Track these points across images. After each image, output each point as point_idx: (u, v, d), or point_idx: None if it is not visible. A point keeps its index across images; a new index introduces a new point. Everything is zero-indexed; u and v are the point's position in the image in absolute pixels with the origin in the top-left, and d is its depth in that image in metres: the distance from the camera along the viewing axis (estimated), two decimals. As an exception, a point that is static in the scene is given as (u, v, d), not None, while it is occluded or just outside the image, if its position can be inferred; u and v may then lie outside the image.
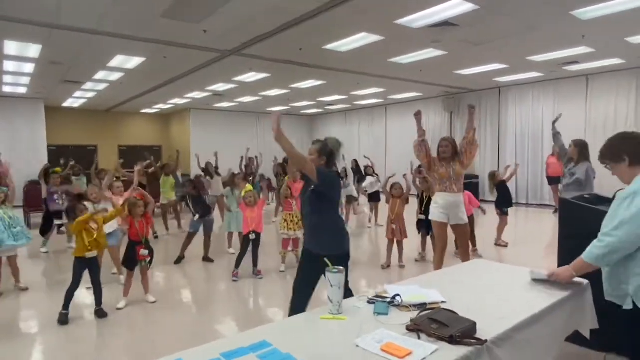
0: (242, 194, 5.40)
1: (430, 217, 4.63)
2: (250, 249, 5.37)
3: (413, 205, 6.19)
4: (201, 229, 6.20)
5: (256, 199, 5.50)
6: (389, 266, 5.77)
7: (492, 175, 6.98)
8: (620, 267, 2.04)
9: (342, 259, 2.79)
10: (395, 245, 5.82)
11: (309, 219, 2.99)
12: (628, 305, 2.03)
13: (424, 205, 5.81)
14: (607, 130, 10.17)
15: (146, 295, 4.50)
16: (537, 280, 2.44)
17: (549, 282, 2.37)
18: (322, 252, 2.61)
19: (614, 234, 1.96)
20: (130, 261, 4.37)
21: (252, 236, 5.30)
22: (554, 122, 5.77)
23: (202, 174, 9.48)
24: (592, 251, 2.07)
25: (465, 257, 4.46)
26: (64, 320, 3.91)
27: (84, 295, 4.49)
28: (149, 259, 4.41)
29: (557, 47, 7.74)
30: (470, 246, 6.33)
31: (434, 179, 4.57)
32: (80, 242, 3.96)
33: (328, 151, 2.99)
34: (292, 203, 5.67)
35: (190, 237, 6.20)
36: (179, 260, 6.14)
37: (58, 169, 8.37)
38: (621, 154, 2.10)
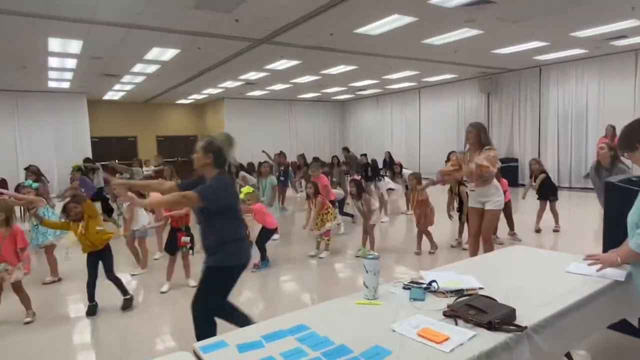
0: (242, 195, 5.17)
1: (468, 204, 4.56)
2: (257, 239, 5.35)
3: (438, 193, 6.07)
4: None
5: (254, 202, 5.37)
6: (417, 254, 5.73)
7: (536, 163, 6.70)
8: None
9: (229, 271, 2.71)
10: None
11: (200, 230, 2.76)
12: None
13: (457, 194, 5.90)
14: (659, 108, 9.56)
15: (187, 279, 4.69)
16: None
17: (590, 269, 2.29)
18: (209, 263, 2.68)
19: None
20: (171, 247, 4.58)
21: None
22: None
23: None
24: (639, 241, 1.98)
25: (486, 244, 4.35)
26: (91, 311, 3.96)
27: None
28: (190, 245, 4.58)
29: (603, 21, 7.29)
30: (509, 230, 6.20)
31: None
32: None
33: (215, 148, 2.65)
34: (312, 203, 5.69)
35: None
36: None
37: (76, 164, 8.66)
38: (633, 144, 2.11)
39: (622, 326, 2.41)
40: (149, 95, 15.10)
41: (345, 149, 14.36)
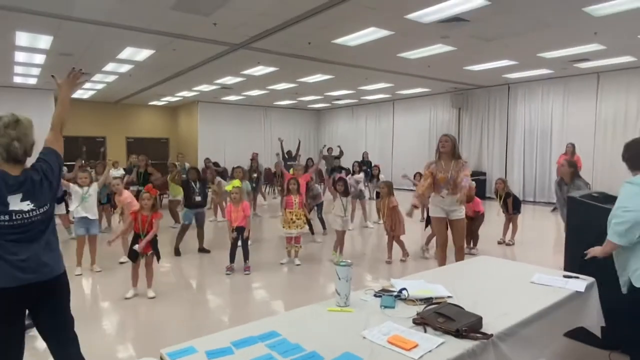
0: (229, 188, 5.23)
1: (430, 214, 4.66)
2: (239, 243, 5.34)
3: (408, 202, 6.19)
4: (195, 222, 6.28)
5: (241, 197, 5.38)
6: (389, 262, 5.81)
7: (502, 182, 6.91)
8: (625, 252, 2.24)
9: None
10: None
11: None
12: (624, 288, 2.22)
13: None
14: (617, 128, 10.10)
15: (148, 289, 4.48)
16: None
17: (552, 280, 2.42)
18: None
19: (631, 207, 2.15)
20: (132, 252, 4.42)
21: (234, 234, 5.24)
22: None
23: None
24: (615, 229, 2.23)
25: (459, 254, 4.44)
26: None
27: (87, 286, 4.55)
28: (151, 251, 4.43)
29: (568, 44, 7.67)
30: (470, 244, 6.25)
31: (437, 185, 4.47)
32: None
33: None
34: (295, 200, 5.70)
35: (184, 229, 6.24)
36: (177, 252, 6.15)
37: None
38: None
39: (581, 335, 2.52)
40: (121, 95, 14.74)
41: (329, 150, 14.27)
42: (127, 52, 8.36)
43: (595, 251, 2.48)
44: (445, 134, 4.53)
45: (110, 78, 11.17)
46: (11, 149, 1.95)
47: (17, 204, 1.93)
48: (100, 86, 12.56)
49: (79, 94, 14.26)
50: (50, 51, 8.20)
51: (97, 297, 4.56)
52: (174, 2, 5.62)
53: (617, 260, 2.42)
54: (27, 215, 1.96)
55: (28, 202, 1.96)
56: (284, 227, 5.72)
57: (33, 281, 1.96)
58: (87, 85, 12.40)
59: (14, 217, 1.92)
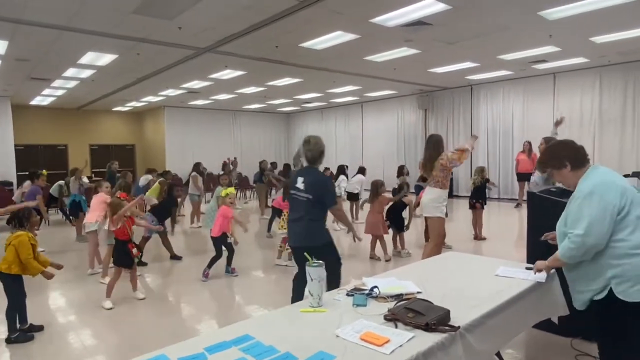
0: (223, 194, 5.34)
1: (440, 215, 4.57)
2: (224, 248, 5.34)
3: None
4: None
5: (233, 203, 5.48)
6: (371, 258, 5.98)
7: (482, 170, 7.09)
8: (590, 265, 2.09)
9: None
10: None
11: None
12: (600, 296, 2.08)
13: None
14: (573, 126, 10.59)
15: (135, 292, 4.50)
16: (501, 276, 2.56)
17: (515, 273, 2.53)
18: None
19: (588, 233, 2.01)
20: (127, 259, 4.35)
21: (230, 239, 5.30)
22: (556, 124, 5.69)
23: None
24: (569, 253, 2.10)
25: (434, 249, 4.55)
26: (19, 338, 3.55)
27: (58, 300, 4.39)
28: (140, 255, 4.43)
29: (525, 46, 8.01)
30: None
31: (445, 174, 4.53)
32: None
33: None
34: None
35: (145, 240, 6.07)
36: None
37: (44, 171, 8.10)
38: (563, 160, 2.24)
39: (544, 324, 2.63)
40: (83, 101, 14.24)
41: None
42: (89, 57, 8.10)
43: (541, 265, 2.36)
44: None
45: (71, 84, 10.78)
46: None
47: None
48: (60, 92, 12.09)
49: (37, 100, 13.71)
50: (5, 56, 7.85)
51: (72, 307, 4.38)
52: (135, 6, 5.51)
53: (579, 274, 2.18)
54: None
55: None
56: (286, 228, 5.73)
57: None
58: (47, 91, 11.92)
59: None
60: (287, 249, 5.86)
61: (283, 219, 5.88)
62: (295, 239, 3.42)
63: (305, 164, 3.46)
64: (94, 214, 5.37)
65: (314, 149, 3.37)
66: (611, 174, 2.16)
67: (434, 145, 4.60)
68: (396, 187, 6.80)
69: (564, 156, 2.24)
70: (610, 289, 2.02)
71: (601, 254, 2.05)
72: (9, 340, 3.47)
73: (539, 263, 2.40)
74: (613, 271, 2.01)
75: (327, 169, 11.61)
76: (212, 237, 5.32)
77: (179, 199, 6.47)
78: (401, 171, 8.36)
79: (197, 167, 10.03)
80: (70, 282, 5.17)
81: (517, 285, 2.34)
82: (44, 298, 4.68)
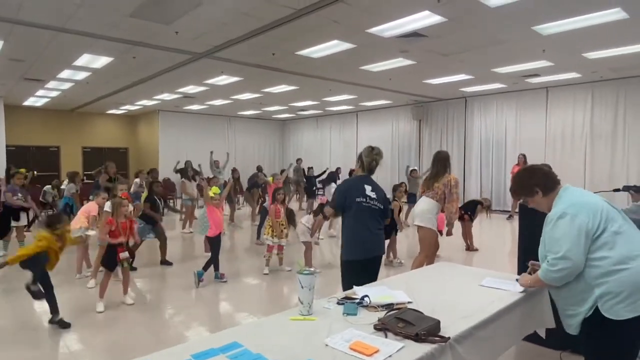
0: (211, 193, 5.35)
1: (432, 227, 4.55)
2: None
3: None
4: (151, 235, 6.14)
5: (221, 202, 5.51)
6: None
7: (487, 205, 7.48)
8: (577, 287, 2.07)
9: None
10: None
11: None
12: (587, 314, 2.05)
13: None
14: (565, 140, 10.73)
15: (124, 296, 4.44)
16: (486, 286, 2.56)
17: (501, 283, 2.53)
18: None
19: (565, 256, 2.01)
20: (111, 262, 4.29)
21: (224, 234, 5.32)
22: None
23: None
24: (550, 275, 2.09)
25: (425, 260, 4.54)
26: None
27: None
28: (131, 260, 4.36)
29: (519, 60, 8.11)
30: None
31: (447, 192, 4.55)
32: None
33: None
34: (282, 210, 5.78)
35: (136, 245, 5.98)
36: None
37: (22, 170, 7.99)
38: (532, 188, 2.24)
39: (533, 337, 2.63)
40: (77, 103, 14.17)
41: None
42: (84, 59, 8.07)
43: (524, 283, 2.38)
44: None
45: (66, 85, 10.73)
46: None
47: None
48: (54, 94, 12.02)
49: (31, 101, 13.61)
50: (-1, 56, 7.81)
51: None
52: (132, 10, 5.51)
53: (567, 297, 2.14)
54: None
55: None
56: (271, 235, 5.71)
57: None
58: (40, 92, 11.85)
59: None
60: (278, 255, 5.83)
61: (268, 225, 5.85)
62: (375, 249, 3.34)
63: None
64: (78, 221, 5.30)
65: (378, 159, 3.50)
66: (581, 194, 2.17)
67: (441, 162, 4.59)
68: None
69: (533, 184, 2.24)
70: (597, 307, 2.01)
71: (586, 274, 2.04)
72: None
73: (524, 279, 2.42)
74: (599, 290, 2.00)
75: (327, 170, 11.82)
76: (208, 238, 5.36)
77: (165, 197, 6.42)
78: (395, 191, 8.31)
79: (184, 172, 9.66)
80: (57, 286, 5.05)
81: (507, 296, 2.34)
82: (29, 302, 4.60)
